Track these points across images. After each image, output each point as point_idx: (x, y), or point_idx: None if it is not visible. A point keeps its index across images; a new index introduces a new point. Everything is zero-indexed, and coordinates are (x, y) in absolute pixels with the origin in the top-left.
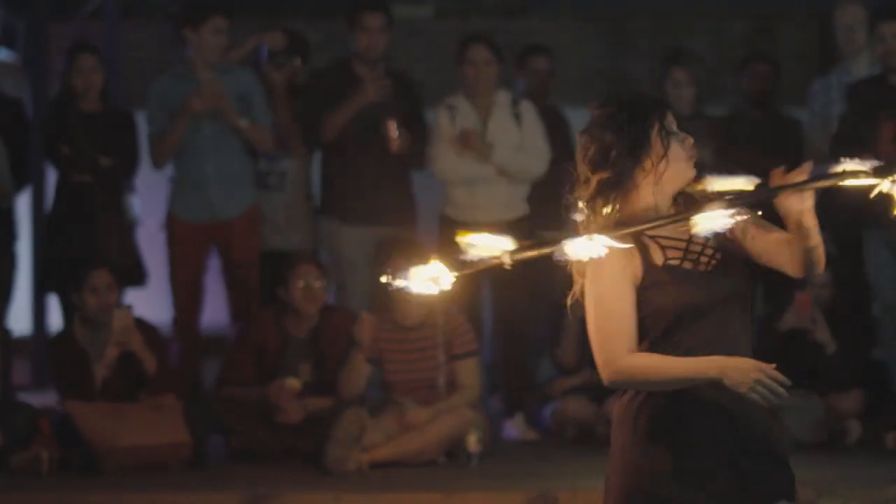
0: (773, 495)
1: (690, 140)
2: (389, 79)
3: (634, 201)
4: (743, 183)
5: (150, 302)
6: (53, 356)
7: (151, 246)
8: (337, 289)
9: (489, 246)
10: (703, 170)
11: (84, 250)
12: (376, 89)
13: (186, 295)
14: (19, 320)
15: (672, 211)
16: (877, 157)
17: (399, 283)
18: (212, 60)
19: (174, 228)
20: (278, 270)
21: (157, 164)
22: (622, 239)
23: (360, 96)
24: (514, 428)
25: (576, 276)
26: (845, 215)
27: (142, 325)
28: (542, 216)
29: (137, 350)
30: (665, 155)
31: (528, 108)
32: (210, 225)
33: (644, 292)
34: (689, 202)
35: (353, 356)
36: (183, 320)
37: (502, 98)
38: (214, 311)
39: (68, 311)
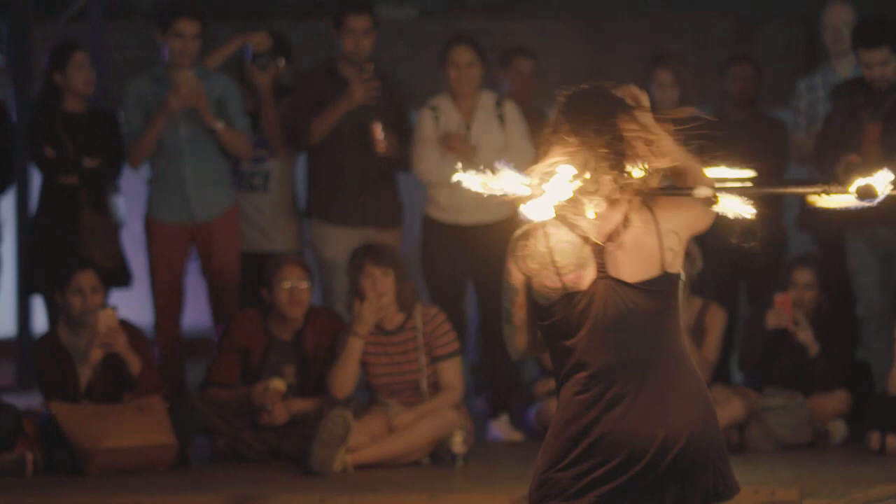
0: None
1: None
2: (377, 80)
3: None
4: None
5: (135, 303)
6: (38, 358)
7: (136, 247)
8: (322, 290)
9: None
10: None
11: (69, 251)
12: (365, 91)
13: (167, 296)
14: (4, 322)
15: None
16: (861, 157)
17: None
18: (180, 64)
19: (153, 229)
20: (262, 272)
21: (134, 163)
22: None
23: (348, 98)
24: (499, 429)
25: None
26: (829, 217)
27: (126, 326)
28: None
29: (122, 351)
30: None
31: (511, 110)
32: (189, 226)
33: None
34: None
35: (350, 345)
36: (164, 322)
37: (486, 99)
38: (196, 313)
39: (53, 312)
